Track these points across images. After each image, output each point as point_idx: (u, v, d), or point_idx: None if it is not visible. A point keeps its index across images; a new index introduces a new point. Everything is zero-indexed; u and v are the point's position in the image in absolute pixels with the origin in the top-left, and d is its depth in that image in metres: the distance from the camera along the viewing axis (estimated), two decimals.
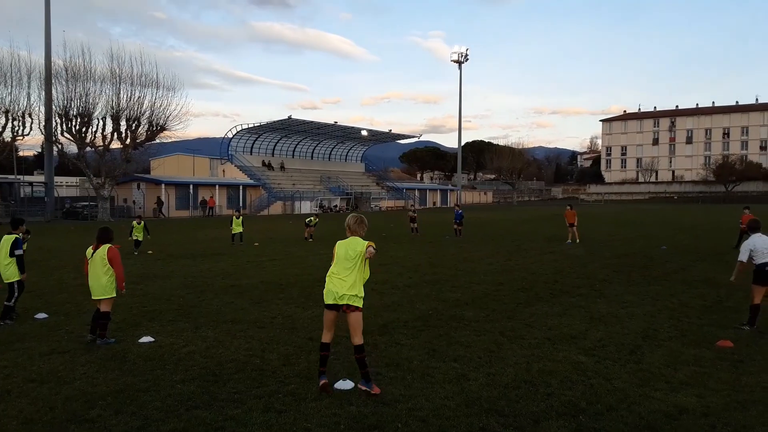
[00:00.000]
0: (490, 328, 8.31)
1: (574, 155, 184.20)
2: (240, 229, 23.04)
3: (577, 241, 22.16)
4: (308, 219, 25.60)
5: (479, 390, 5.67)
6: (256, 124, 65.47)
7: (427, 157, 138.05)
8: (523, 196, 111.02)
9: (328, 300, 5.76)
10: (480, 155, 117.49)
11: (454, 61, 75.10)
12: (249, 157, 68.17)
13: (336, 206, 66.38)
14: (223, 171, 65.73)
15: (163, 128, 47.05)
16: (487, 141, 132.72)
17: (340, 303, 5.68)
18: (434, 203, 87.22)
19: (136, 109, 45.17)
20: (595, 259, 16.77)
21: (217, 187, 57.47)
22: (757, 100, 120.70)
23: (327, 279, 5.82)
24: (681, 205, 79.34)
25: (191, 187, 55.75)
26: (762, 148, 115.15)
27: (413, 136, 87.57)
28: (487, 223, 36.44)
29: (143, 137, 46.75)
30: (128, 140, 45.66)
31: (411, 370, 6.31)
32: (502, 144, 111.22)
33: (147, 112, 45.81)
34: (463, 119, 76.32)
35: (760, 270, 8.19)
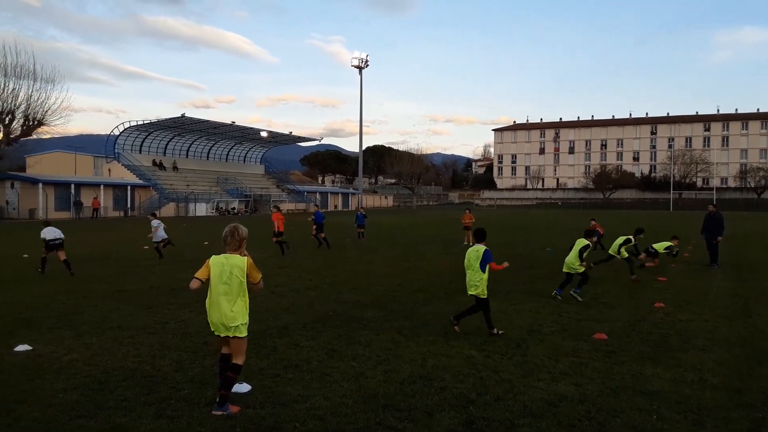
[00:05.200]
0: (389, 327, 8.49)
1: (469, 162, 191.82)
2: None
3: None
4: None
5: (377, 387, 5.79)
6: (145, 122, 62.20)
7: (328, 161, 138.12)
8: (422, 200, 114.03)
9: (216, 331, 5.22)
10: (380, 159, 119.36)
11: (355, 66, 75.70)
12: (138, 156, 64.61)
13: (234, 209, 64.57)
14: (109, 170, 61.80)
15: (40, 123, 43.54)
16: (387, 146, 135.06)
17: (227, 335, 5.15)
18: (335, 206, 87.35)
19: (9, 101, 41.53)
20: None
21: (102, 187, 53.90)
22: (630, 114, 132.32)
23: (207, 306, 5.20)
24: (564, 210, 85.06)
25: (72, 186, 51.85)
26: (635, 158, 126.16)
27: (314, 139, 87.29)
28: (388, 227, 37.06)
29: (18, 132, 42.96)
30: (0, 135, 41.71)
31: (310, 371, 6.31)
32: (402, 149, 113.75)
33: (22, 105, 42.34)
34: (363, 124, 77.06)
35: None
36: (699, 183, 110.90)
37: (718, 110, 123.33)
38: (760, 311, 9.97)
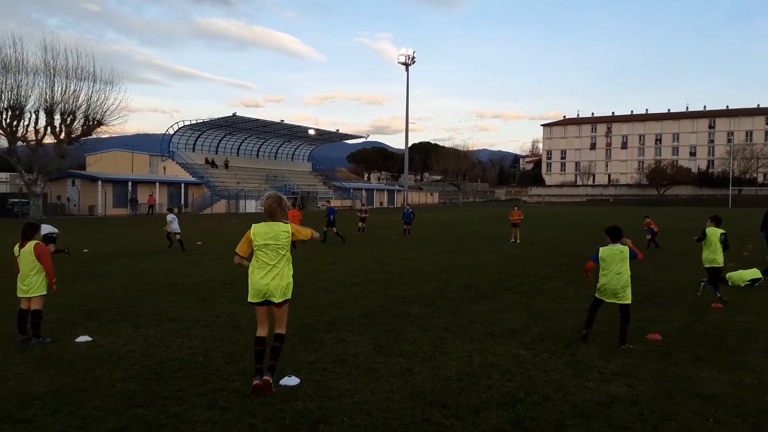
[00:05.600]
0: (435, 324, 8.48)
1: (516, 158, 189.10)
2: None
3: (518, 241, 22.80)
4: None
5: (423, 383, 5.80)
6: (198, 121, 63.95)
7: (374, 158, 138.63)
8: (468, 197, 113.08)
9: (257, 298, 5.42)
10: (426, 156, 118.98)
11: (402, 63, 75.73)
12: (191, 154, 66.56)
13: None
14: (164, 168, 63.92)
15: (99, 123, 45.26)
16: (433, 142, 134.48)
17: (274, 300, 5.41)
18: (381, 203, 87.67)
19: (71, 102, 43.29)
20: (535, 259, 17.32)
21: (157, 184, 55.84)
22: (687, 108, 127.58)
23: (251, 273, 5.43)
24: (616, 207, 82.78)
25: (129, 184, 53.91)
26: (692, 153, 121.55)
27: (360, 137, 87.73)
28: (434, 224, 36.96)
29: (78, 132, 44.80)
30: (62, 135, 43.69)
31: (357, 366, 6.38)
32: (447, 146, 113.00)
33: (83, 106, 44.02)
34: (408, 121, 77.04)
35: None
36: (760, 179, 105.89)
37: None
38: None
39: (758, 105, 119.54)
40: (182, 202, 58.13)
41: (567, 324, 8.58)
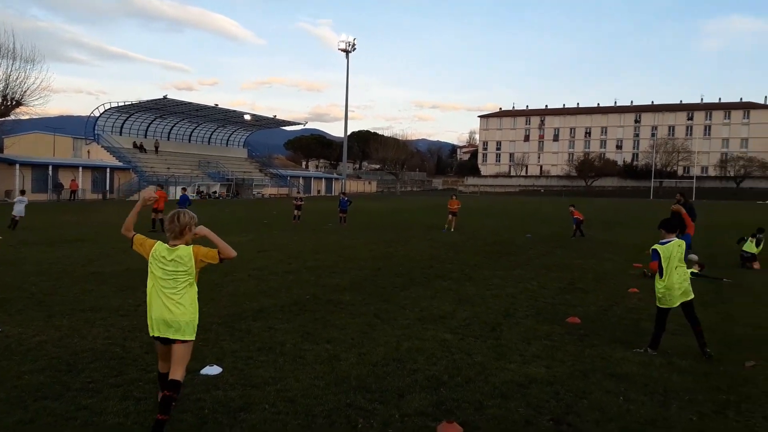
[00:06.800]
0: (366, 311, 8.49)
1: (454, 148, 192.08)
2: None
3: (452, 230, 23.18)
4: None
5: (349, 369, 5.79)
6: (126, 103, 61.18)
7: (312, 145, 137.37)
8: (406, 186, 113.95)
9: (156, 332, 4.37)
10: (365, 145, 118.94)
11: (342, 50, 74.99)
12: (118, 137, 63.59)
13: (215, 192, 64.01)
14: (88, 152, 60.79)
15: (18, 103, 42.51)
16: (372, 131, 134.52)
17: (169, 336, 4.34)
18: (319, 191, 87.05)
19: None
20: (467, 246, 17.66)
21: (80, 169, 53.05)
22: (615, 103, 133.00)
23: (148, 300, 4.40)
24: (547, 197, 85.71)
25: (50, 168, 50.98)
26: (618, 147, 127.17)
27: (299, 123, 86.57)
28: (371, 212, 37.03)
29: None
30: None
31: (283, 353, 6.29)
32: (387, 135, 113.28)
33: (0, 85, 41.20)
34: (348, 109, 76.54)
35: None
36: (680, 172, 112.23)
37: (701, 99, 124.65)
38: (733, 298, 10.13)
39: (681, 101, 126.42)
40: (107, 188, 55.61)
41: (494, 309, 8.80)
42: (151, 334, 4.46)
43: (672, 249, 6.65)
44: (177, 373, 4.29)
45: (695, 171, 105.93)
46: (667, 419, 4.75)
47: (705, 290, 10.79)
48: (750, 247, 14.28)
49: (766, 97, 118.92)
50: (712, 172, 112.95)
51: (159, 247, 4.43)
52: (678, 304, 6.60)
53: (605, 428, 4.55)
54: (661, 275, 6.60)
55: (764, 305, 9.56)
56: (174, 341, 4.34)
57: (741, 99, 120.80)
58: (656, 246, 6.73)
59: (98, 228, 22.09)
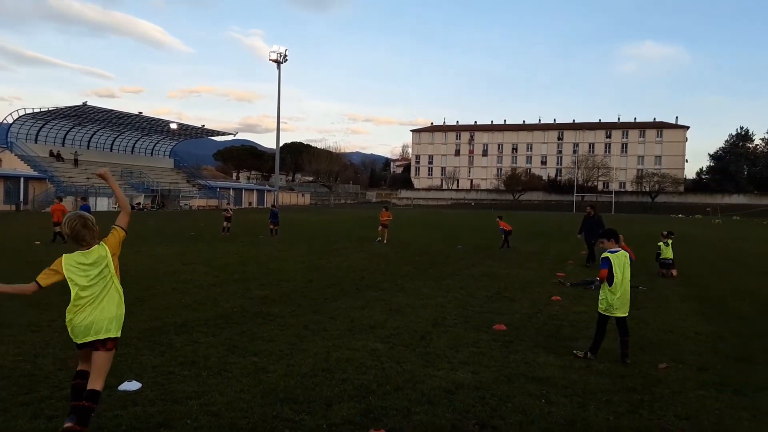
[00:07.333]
0: (295, 323, 8.38)
1: (387, 162, 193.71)
2: None
3: (384, 241, 23.33)
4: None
5: (277, 381, 5.68)
6: (42, 110, 57.99)
7: (243, 156, 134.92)
8: (339, 198, 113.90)
9: (83, 338, 4.24)
10: (298, 157, 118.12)
11: (273, 60, 74.44)
12: (33, 145, 60.13)
13: (139, 204, 61.57)
14: (0, 160, 57.07)
15: None
16: (305, 143, 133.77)
17: (101, 337, 4.25)
18: (250, 203, 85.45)
19: None
20: (399, 258, 17.82)
21: None
22: (540, 120, 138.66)
23: (72, 314, 4.25)
24: (477, 210, 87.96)
25: None
26: (543, 162, 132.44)
27: (229, 133, 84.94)
28: (304, 224, 36.70)
29: None
30: None
31: (207, 368, 6.09)
32: (320, 147, 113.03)
33: None
34: (280, 120, 75.83)
35: None
36: (600, 186, 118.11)
37: (618, 119, 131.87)
38: (647, 304, 10.72)
39: (600, 120, 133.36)
40: (21, 198, 52.35)
41: (424, 318, 8.90)
42: (78, 341, 4.30)
43: (622, 259, 6.80)
44: (97, 383, 4.18)
45: (614, 186, 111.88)
46: (585, 420, 4.95)
47: None
48: (668, 252, 15.02)
49: (677, 117, 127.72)
50: (629, 187, 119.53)
51: (68, 259, 4.25)
52: (620, 314, 6.76)
53: (527, 430, 4.68)
54: (610, 284, 6.70)
55: (675, 311, 10.18)
56: (97, 347, 4.25)
57: (654, 119, 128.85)
58: (607, 254, 6.80)
59: (10, 241, 20.73)
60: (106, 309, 4.30)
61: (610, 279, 6.70)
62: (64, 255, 4.27)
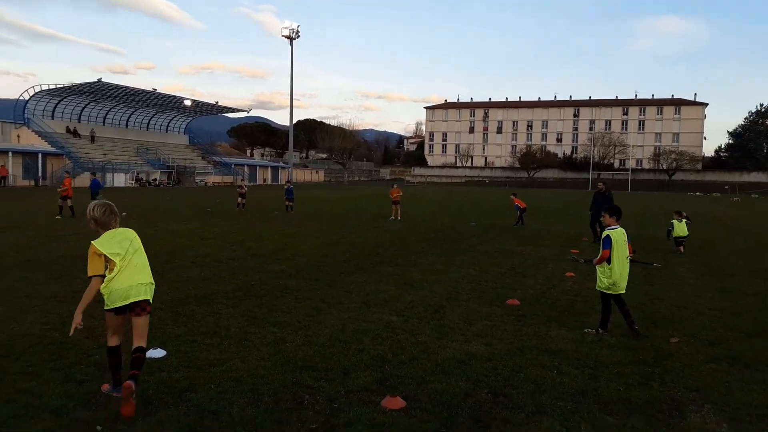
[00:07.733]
0: (312, 296, 8.55)
1: (401, 139, 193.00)
2: None
3: (399, 218, 23.44)
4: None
5: (295, 350, 5.86)
6: (58, 86, 58.36)
7: (257, 133, 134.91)
8: (353, 176, 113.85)
9: (123, 300, 4.47)
10: (311, 134, 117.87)
11: (285, 37, 73.93)
12: (50, 122, 60.72)
13: (156, 180, 62.13)
14: (18, 136, 57.75)
15: None
16: (318, 120, 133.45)
17: (141, 298, 4.53)
18: (264, 180, 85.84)
19: None
20: (413, 234, 17.93)
21: (10, 154, 50.43)
22: (555, 97, 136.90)
23: (107, 281, 4.46)
24: (491, 188, 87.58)
25: None
26: (558, 140, 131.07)
27: (242, 110, 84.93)
28: (318, 201, 36.90)
29: None
30: None
31: (228, 337, 6.29)
32: (333, 124, 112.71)
33: None
34: (293, 97, 75.65)
35: None
36: (616, 164, 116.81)
37: (635, 95, 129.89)
38: (660, 280, 10.75)
39: (616, 97, 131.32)
40: (40, 174, 53.09)
41: (438, 292, 9.03)
42: (118, 305, 4.50)
43: (621, 235, 6.88)
44: (143, 341, 4.57)
45: (631, 164, 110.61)
46: (596, 390, 5.06)
47: (635, 274, 11.41)
48: (682, 229, 15.16)
49: (695, 94, 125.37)
50: (646, 165, 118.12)
51: (100, 240, 4.52)
52: (622, 291, 6.85)
53: (539, 399, 4.81)
54: (609, 262, 6.78)
55: (689, 287, 10.20)
56: (138, 312, 4.54)
57: (672, 96, 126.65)
58: (608, 232, 6.87)
59: (30, 215, 21.14)
60: (141, 274, 4.60)
61: (610, 258, 6.80)
62: (92, 242, 4.51)
